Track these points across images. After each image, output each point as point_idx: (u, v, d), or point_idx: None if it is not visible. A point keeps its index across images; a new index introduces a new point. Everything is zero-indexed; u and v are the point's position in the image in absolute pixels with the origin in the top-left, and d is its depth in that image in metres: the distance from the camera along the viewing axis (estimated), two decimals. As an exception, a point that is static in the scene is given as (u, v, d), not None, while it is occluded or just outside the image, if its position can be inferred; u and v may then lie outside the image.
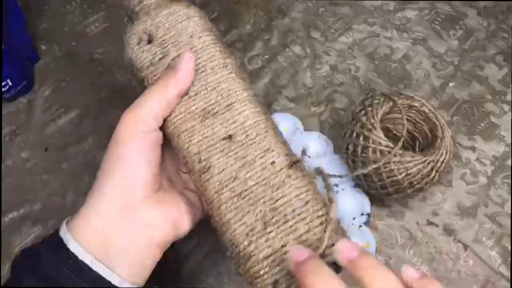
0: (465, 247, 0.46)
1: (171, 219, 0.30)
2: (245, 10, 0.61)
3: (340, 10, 0.61)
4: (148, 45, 0.33)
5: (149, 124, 0.30)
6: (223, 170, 0.29)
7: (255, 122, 0.31)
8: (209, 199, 0.29)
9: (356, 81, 0.56)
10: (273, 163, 0.29)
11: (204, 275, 0.43)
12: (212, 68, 0.32)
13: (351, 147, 0.45)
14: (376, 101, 0.45)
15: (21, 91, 0.52)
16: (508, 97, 0.55)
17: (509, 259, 0.45)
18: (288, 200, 0.28)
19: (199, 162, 0.30)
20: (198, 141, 0.30)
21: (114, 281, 0.27)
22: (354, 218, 0.46)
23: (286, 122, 0.51)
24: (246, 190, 0.29)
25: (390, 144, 0.42)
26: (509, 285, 0.43)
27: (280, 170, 0.29)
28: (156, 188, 0.30)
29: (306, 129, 0.52)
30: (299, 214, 0.28)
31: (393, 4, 0.62)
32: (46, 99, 0.53)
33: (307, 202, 0.29)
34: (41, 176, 0.48)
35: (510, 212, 0.48)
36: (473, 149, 0.52)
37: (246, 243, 0.28)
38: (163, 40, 0.33)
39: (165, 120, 0.31)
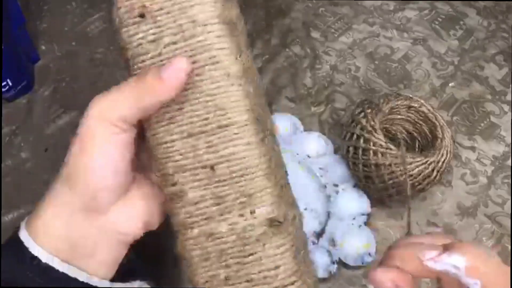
0: (465, 247, 0.46)
1: (140, 219, 0.28)
2: (245, 10, 0.60)
3: (340, 10, 0.61)
4: (139, 19, 0.26)
5: (117, 126, 0.26)
6: (196, 203, 0.25)
7: (245, 157, 0.25)
8: (177, 225, 0.26)
9: (356, 81, 0.56)
10: (252, 212, 0.25)
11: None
12: (209, 72, 0.25)
13: (351, 150, 0.45)
14: (375, 103, 0.45)
15: (21, 91, 0.52)
16: (508, 97, 0.55)
17: (509, 259, 0.45)
18: (258, 258, 0.25)
19: (173, 185, 0.26)
20: (177, 161, 0.25)
21: (82, 278, 0.26)
22: (354, 218, 0.46)
23: (286, 122, 0.51)
24: (216, 234, 0.25)
25: (391, 146, 0.42)
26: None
27: (258, 223, 0.25)
28: (125, 190, 0.28)
29: (306, 129, 0.52)
30: (264, 278, 0.25)
31: (393, 4, 0.62)
32: (46, 99, 0.53)
33: (278, 267, 0.25)
34: (41, 176, 0.48)
35: (510, 212, 0.48)
36: (473, 149, 0.52)
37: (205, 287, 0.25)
38: (158, 18, 0.25)
39: (144, 121, 0.26)
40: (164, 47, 0.25)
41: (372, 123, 0.43)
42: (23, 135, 0.51)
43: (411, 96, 0.46)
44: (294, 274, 0.26)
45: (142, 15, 0.26)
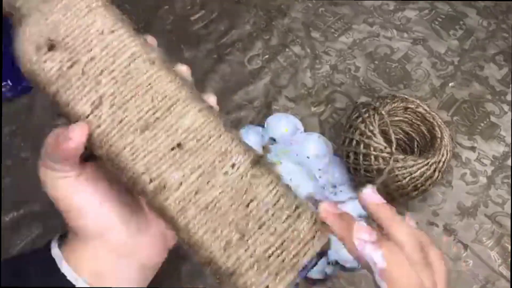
0: (465, 247, 0.46)
1: (158, 240, 0.30)
2: (245, 10, 0.61)
3: (340, 10, 0.61)
4: (50, 52, 0.26)
5: (63, 174, 0.28)
6: (180, 185, 0.26)
7: (203, 122, 0.26)
8: (172, 220, 0.26)
9: (356, 81, 0.56)
10: (233, 165, 0.26)
11: (204, 275, 0.43)
12: (136, 68, 0.26)
13: (352, 155, 0.45)
14: (372, 107, 0.45)
15: (21, 91, 0.52)
16: (508, 97, 0.55)
17: (509, 259, 0.45)
18: (259, 201, 0.26)
19: (150, 181, 0.25)
20: (143, 157, 0.26)
21: None
22: None
23: (286, 123, 0.51)
24: (212, 201, 0.26)
25: (392, 150, 0.42)
26: (509, 285, 0.44)
27: (243, 171, 0.26)
28: (131, 210, 0.29)
29: (306, 130, 0.52)
30: (273, 214, 0.26)
31: (393, 4, 0.62)
32: (46, 99, 0.53)
33: (279, 198, 0.26)
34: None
35: (510, 212, 0.48)
36: (473, 149, 0.52)
37: (224, 258, 0.25)
38: (68, 44, 0.26)
39: (93, 141, 0.26)
40: (85, 66, 0.26)
41: (371, 127, 0.43)
42: (23, 135, 0.51)
43: (406, 97, 0.46)
44: (295, 204, 0.26)
45: (51, 47, 0.27)
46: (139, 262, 0.29)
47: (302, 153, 0.49)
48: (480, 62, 0.58)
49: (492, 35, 0.60)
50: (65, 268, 0.27)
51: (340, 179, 0.48)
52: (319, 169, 0.48)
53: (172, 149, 0.26)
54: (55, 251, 0.28)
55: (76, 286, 0.26)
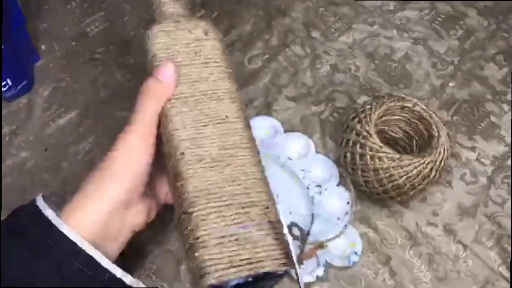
0: (465, 247, 0.46)
1: (145, 214, 0.36)
2: (245, 10, 0.61)
3: (340, 10, 0.61)
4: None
5: (144, 134, 0.35)
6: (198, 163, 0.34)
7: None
8: (180, 174, 0.33)
9: (357, 80, 0.56)
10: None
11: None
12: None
13: (349, 156, 0.45)
14: (368, 107, 0.45)
15: (21, 91, 0.52)
16: (508, 97, 0.55)
17: (509, 259, 0.45)
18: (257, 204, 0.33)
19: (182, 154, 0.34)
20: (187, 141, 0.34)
21: (104, 263, 0.31)
22: (338, 218, 0.46)
23: (266, 125, 0.51)
24: (213, 178, 0.33)
25: (388, 150, 0.42)
26: (508, 285, 0.44)
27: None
28: (144, 189, 0.35)
29: (305, 129, 0.52)
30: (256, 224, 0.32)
31: (393, 4, 0.62)
32: (46, 99, 0.53)
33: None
34: (41, 176, 0.48)
35: (510, 212, 0.48)
36: (473, 149, 0.52)
37: (202, 228, 0.31)
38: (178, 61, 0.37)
39: (165, 119, 0.35)
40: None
41: (367, 127, 0.43)
42: (23, 135, 0.51)
43: (403, 96, 0.46)
44: (276, 224, 0.32)
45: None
46: (123, 221, 0.34)
47: (283, 154, 0.49)
48: (480, 62, 0.58)
49: (493, 35, 0.60)
50: (70, 232, 0.31)
51: (324, 177, 0.48)
52: (302, 170, 0.48)
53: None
54: (49, 212, 0.32)
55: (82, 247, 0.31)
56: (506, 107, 0.55)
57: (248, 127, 0.36)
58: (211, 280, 0.29)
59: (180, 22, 0.39)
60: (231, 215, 0.32)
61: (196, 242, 0.31)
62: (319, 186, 0.47)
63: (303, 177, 0.48)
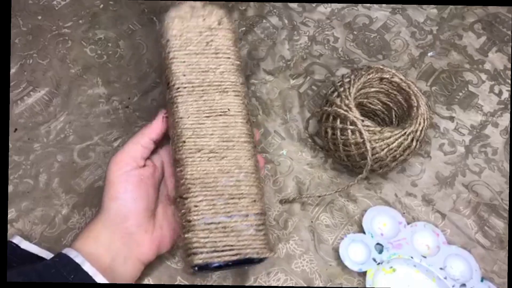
0: (443, 216, 0.46)
1: (155, 244, 0.38)
2: (219, -21, 0.58)
3: (317, -21, 0.60)
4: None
5: (128, 163, 0.37)
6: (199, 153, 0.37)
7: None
8: (181, 160, 0.37)
9: (335, 52, 0.55)
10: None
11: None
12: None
13: (330, 131, 0.44)
14: (346, 80, 0.45)
15: None
16: (486, 66, 0.55)
17: (485, 227, 0.46)
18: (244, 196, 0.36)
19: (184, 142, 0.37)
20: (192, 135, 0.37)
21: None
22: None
23: (382, 217, 0.45)
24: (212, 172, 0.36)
25: (369, 123, 0.42)
26: (484, 251, 0.44)
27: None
28: (148, 215, 0.38)
29: (284, 103, 0.51)
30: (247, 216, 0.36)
31: (372, -28, 0.60)
32: (13, 77, 0.51)
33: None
34: (11, 158, 0.46)
35: (486, 181, 0.48)
36: (451, 119, 0.52)
37: (195, 213, 0.35)
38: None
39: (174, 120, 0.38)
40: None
41: (347, 101, 0.43)
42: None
43: (381, 67, 0.46)
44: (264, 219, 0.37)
45: None
46: (136, 255, 0.37)
47: (415, 253, 0.43)
48: (459, 31, 0.58)
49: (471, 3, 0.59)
50: (87, 266, 0.34)
51: (465, 274, 0.42)
52: (441, 268, 0.42)
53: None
54: (73, 253, 0.35)
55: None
56: (484, 76, 0.55)
57: (248, 121, 0.38)
58: (196, 261, 0.34)
59: (195, 7, 0.40)
60: (221, 204, 0.35)
61: (187, 224, 0.35)
62: (463, 285, 0.42)
63: (444, 277, 0.42)
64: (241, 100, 0.38)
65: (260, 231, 0.35)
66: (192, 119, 0.37)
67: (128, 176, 0.37)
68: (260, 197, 0.36)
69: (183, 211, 0.36)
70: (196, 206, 0.35)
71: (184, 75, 0.38)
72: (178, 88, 0.37)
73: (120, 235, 0.36)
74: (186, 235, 0.35)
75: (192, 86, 0.37)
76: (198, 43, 0.39)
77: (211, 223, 0.35)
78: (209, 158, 0.36)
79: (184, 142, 0.36)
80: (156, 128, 0.39)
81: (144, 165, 0.39)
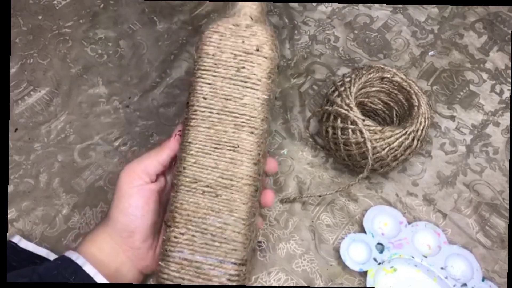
0: (444, 216, 0.46)
1: (158, 258, 0.37)
2: (220, -21, 0.58)
3: (318, -22, 0.60)
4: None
5: (142, 178, 0.36)
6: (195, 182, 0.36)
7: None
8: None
9: (336, 51, 0.55)
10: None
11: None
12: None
13: (330, 130, 0.44)
14: (347, 79, 0.45)
15: None
16: (487, 65, 0.55)
17: (486, 226, 0.46)
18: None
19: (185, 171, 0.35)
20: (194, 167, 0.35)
21: None
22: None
23: (383, 217, 0.45)
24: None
25: (370, 123, 0.42)
26: (485, 251, 0.44)
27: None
28: (154, 231, 0.37)
29: (285, 102, 0.51)
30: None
31: (373, -29, 0.60)
32: (13, 77, 0.51)
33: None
34: (12, 158, 0.46)
35: (488, 180, 0.48)
36: (452, 118, 0.52)
37: (181, 227, 0.34)
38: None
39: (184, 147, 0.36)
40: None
41: (347, 101, 0.42)
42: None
43: (382, 66, 0.45)
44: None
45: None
46: (139, 268, 0.37)
47: (416, 253, 0.43)
48: (460, 30, 0.57)
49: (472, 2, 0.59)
50: (89, 268, 0.34)
51: (466, 274, 0.42)
52: (442, 268, 0.42)
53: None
54: (75, 255, 0.35)
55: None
56: (485, 75, 0.54)
57: (258, 162, 0.35)
58: None
59: (239, 26, 0.36)
60: (201, 243, 0.34)
61: (164, 252, 0.34)
62: (465, 285, 0.41)
63: (445, 277, 0.42)
64: (254, 138, 0.35)
65: (232, 281, 0.34)
66: (198, 146, 0.35)
67: (140, 190, 0.36)
68: (243, 247, 0.34)
69: (163, 237, 0.35)
70: (176, 237, 0.34)
71: (205, 99, 0.35)
72: (196, 110, 0.35)
73: (125, 248, 0.36)
74: (159, 262, 0.34)
75: (210, 112, 0.35)
76: (229, 67, 0.35)
77: (186, 259, 0.34)
78: (204, 192, 0.34)
79: (184, 168, 0.35)
80: (174, 146, 0.37)
81: (156, 180, 0.38)
